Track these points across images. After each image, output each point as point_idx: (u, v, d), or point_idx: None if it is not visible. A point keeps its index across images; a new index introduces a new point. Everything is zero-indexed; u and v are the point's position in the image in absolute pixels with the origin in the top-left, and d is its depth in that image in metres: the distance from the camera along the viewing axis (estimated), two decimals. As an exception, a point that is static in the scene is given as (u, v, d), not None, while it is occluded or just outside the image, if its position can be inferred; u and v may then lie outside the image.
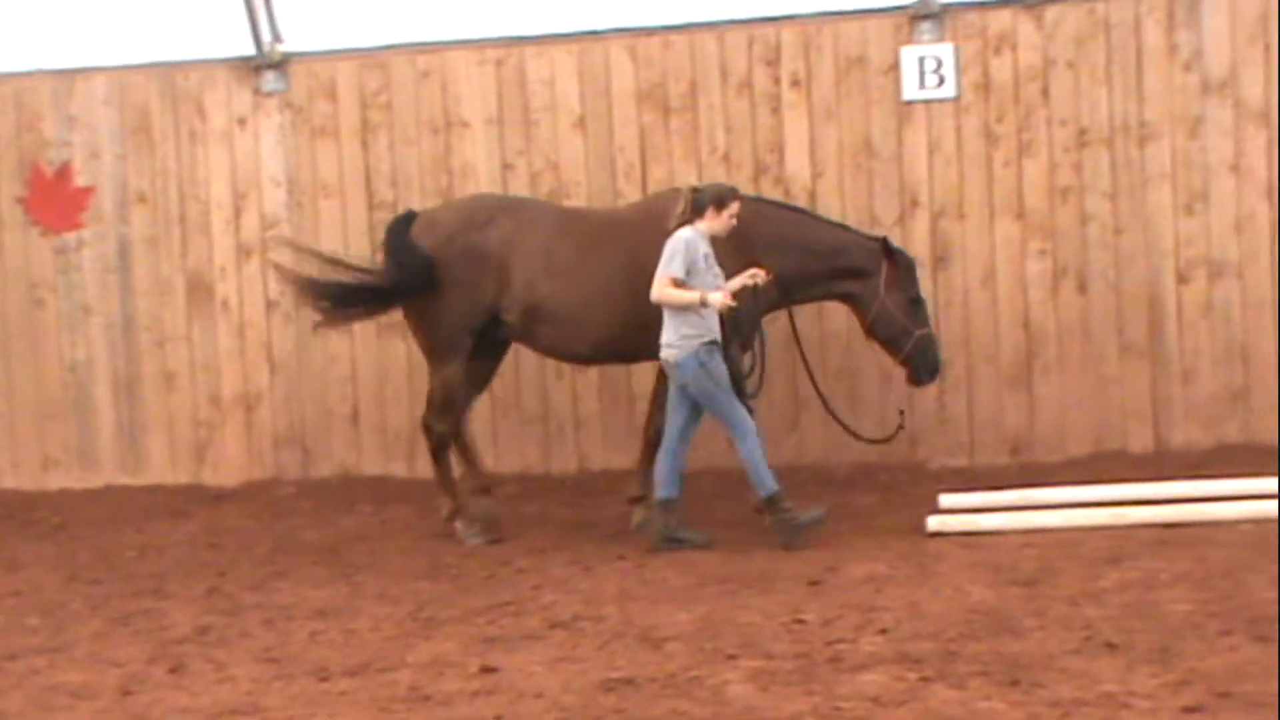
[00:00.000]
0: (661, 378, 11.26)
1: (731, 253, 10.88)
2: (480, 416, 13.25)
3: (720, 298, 10.43)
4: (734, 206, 10.65)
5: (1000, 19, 12.52)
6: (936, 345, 11.38)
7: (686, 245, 10.48)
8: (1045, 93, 12.45)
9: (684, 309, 10.48)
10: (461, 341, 11.48)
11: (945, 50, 12.57)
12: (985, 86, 12.56)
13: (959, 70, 12.57)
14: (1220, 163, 12.17)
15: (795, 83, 12.80)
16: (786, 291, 11.17)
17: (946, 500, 11.32)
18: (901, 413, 11.72)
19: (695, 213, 10.60)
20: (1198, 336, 12.23)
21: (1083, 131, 12.39)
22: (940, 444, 12.60)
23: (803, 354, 11.46)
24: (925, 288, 12.07)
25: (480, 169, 13.28)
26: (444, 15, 13.20)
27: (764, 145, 12.86)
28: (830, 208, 12.60)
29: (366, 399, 13.55)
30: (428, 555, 10.98)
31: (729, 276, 10.73)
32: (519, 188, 13.13)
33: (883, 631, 8.26)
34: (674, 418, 10.79)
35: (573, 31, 13.14)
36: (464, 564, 10.64)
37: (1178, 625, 8.01)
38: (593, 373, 13.04)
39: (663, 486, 10.78)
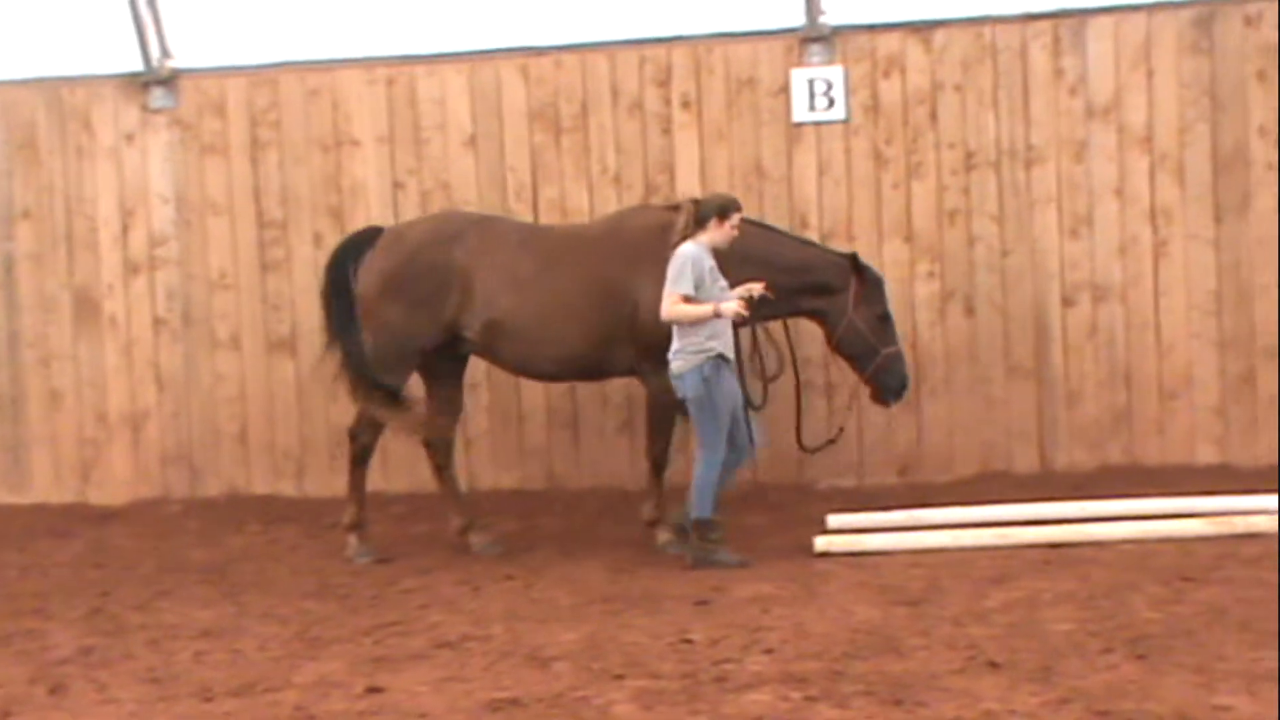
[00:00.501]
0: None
1: None
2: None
3: (734, 305, 10.30)
4: (735, 217, 10.55)
5: (889, 42, 12.63)
6: (903, 363, 11.31)
7: (692, 260, 10.34)
8: (933, 116, 12.57)
9: (699, 322, 10.33)
10: (412, 358, 11.39)
11: (835, 73, 12.66)
12: (874, 109, 12.66)
13: (848, 93, 12.66)
14: (1104, 187, 12.33)
15: (686, 104, 12.85)
16: (754, 308, 11.06)
17: (834, 520, 11.37)
18: (840, 430, 11.67)
19: (698, 225, 10.48)
20: (1082, 359, 12.37)
21: (970, 154, 12.52)
22: (829, 465, 12.64)
23: (794, 360, 11.36)
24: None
25: (371, 187, 13.23)
26: (334, 33, 13.15)
27: (655, 166, 12.90)
28: (721, 228, 12.65)
29: (255, 418, 13.44)
30: (315, 575, 10.89)
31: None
32: (409, 207, 13.10)
33: (768, 651, 8.27)
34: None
35: (464, 51, 13.12)
36: (352, 584, 10.57)
37: (1060, 644, 8.08)
38: (481, 392, 13.01)
39: (698, 507, 10.57)
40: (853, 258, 11.18)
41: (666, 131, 12.89)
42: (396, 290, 11.26)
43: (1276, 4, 12.04)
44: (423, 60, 13.20)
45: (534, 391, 12.97)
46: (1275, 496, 10.80)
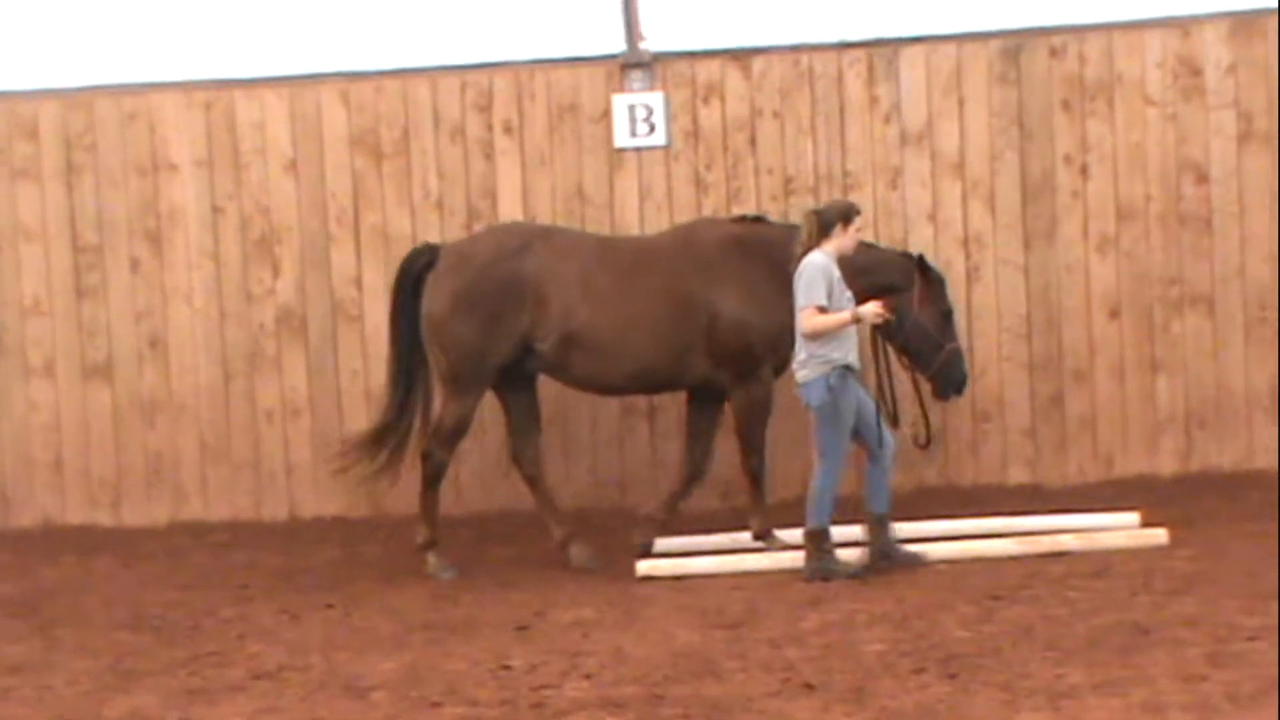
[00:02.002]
0: (692, 410, 11.41)
1: (767, 277, 11.02)
2: (189, 462, 13.10)
3: (874, 308, 10.28)
4: (858, 221, 10.53)
5: (709, 69, 12.76)
6: (964, 359, 11.40)
7: (822, 271, 10.28)
8: (753, 142, 12.72)
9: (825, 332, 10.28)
10: (489, 376, 11.30)
11: (656, 99, 12.76)
12: (695, 135, 12.78)
13: (669, 119, 12.77)
14: (919, 213, 12.56)
15: (508, 129, 12.88)
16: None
17: (657, 544, 11.42)
18: (928, 423, 11.52)
19: (821, 235, 10.41)
20: (899, 381, 12.50)
21: (789, 180, 12.68)
22: (652, 489, 12.69)
23: (885, 362, 11.34)
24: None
25: (190, 212, 13.09)
26: (151, 56, 12.98)
27: (477, 191, 12.90)
28: (543, 254, 12.71)
29: (70, 446, 13.21)
30: (131, 606, 10.72)
31: (766, 301, 10.92)
32: (229, 231, 13.00)
33: (588, 676, 8.31)
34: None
35: (284, 75, 13.04)
36: (168, 614, 10.42)
37: (873, 665, 8.20)
38: (304, 420, 12.94)
39: (813, 516, 10.51)
40: (919, 258, 11.25)
41: (489, 157, 12.91)
42: (469, 308, 11.15)
43: (1098, 36, 12.41)
44: (242, 84, 13.09)
45: (357, 418, 12.88)
46: (1083, 516, 11.08)
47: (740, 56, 12.75)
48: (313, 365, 13.03)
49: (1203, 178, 12.33)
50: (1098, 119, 12.45)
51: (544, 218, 12.76)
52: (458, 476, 12.72)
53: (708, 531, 11.59)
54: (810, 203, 12.48)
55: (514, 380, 11.43)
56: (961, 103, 12.54)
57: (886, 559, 10.47)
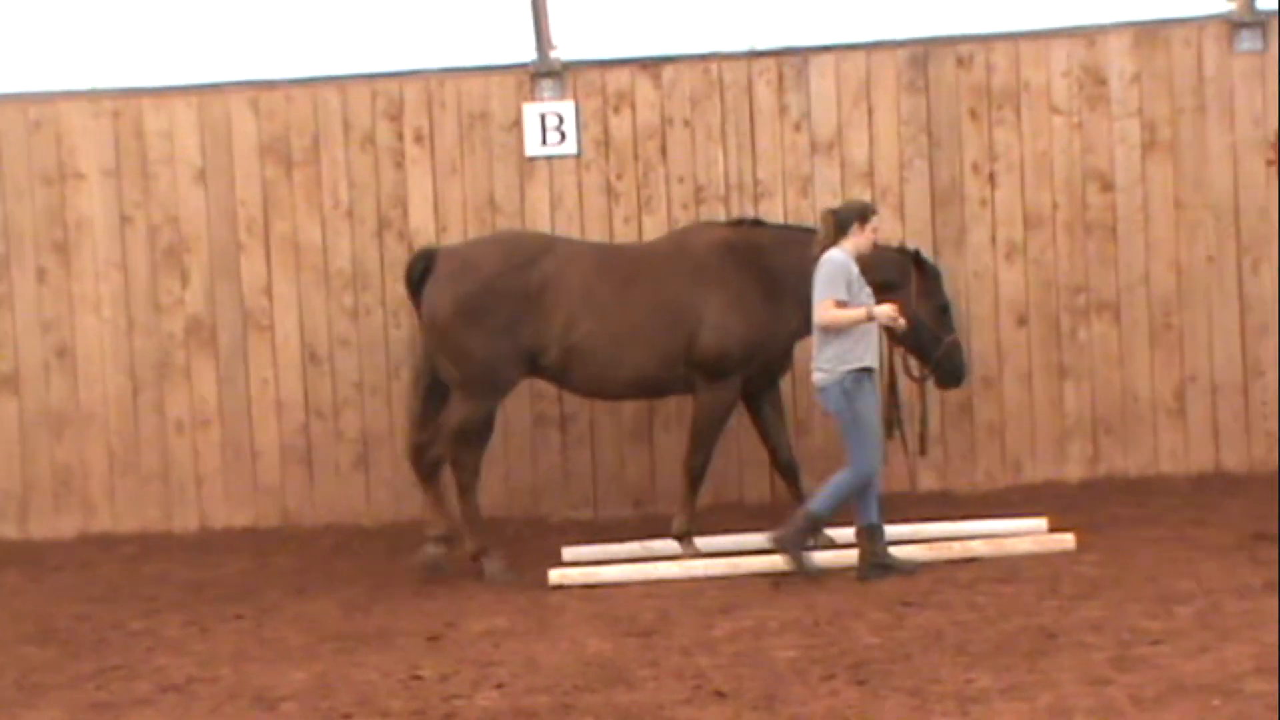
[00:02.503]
0: (751, 408, 11.47)
1: (757, 280, 11.09)
2: (97, 473, 12.99)
3: (888, 309, 10.27)
4: (875, 220, 10.54)
5: (619, 78, 12.79)
6: (963, 350, 11.41)
7: (842, 267, 10.28)
8: (663, 150, 12.76)
9: (842, 332, 10.23)
10: (501, 383, 11.27)
11: (567, 108, 12.77)
12: (606, 144, 12.80)
13: (580, 127, 12.79)
14: (829, 221, 12.60)
15: (419, 138, 12.85)
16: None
17: (569, 553, 11.44)
18: (924, 422, 11.47)
19: (839, 233, 10.40)
20: (810, 389, 12.55)
21: (700, 189, 12.72)
22: (563, 497, 12.75)
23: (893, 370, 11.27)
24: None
25: (97, 222, 12.98)
26: (57, 64, 12.87)
27: (388, 200, 12.87)
28: (455, 262, 12.70)
29: (-25, 458, 13.08)
30: (37, 620, 10.60)
31: (756, 305, 10.98)
32: (137, 241, 12.91)
33: (499, 686, 8.30)
34: None
35: (192, 84, 12.96)
36: (75, 628, 10.31)
37: (784, 671, 8.23)
38: (213, 430, 12.86)
39: (862, 513, 10.47)
40: (915, 253, 11.27)
41: (399, 165, 12.88)
42: (475, 317, 11.08)
43: (1005, 45, 12.55)
44: (150, 93, 13.01)
45: (268, 428, 12.85)
46: (991, 522, 11.17)
47: (650, 66, 12.79)
48: (223, 375, 12.95)
49: (1108, 186, 12.47)
50: (1005, 127, 12.57)
51: (455, 227, 12.76)
52: (368, 485, 12.72)
53: (620, 540, 11.61)
54: (720, 212, 12.58)
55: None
56: (870, 111, 12.63)
57: (882, 569, 10.38)
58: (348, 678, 8.63)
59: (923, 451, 11.52)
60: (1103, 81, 12.52)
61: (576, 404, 12.61)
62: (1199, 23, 12.46)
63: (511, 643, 9.24)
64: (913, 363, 11.33)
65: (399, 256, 12.76)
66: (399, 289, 12.69)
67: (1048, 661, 8.03)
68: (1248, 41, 12.37)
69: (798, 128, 12.68)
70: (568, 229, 12.69)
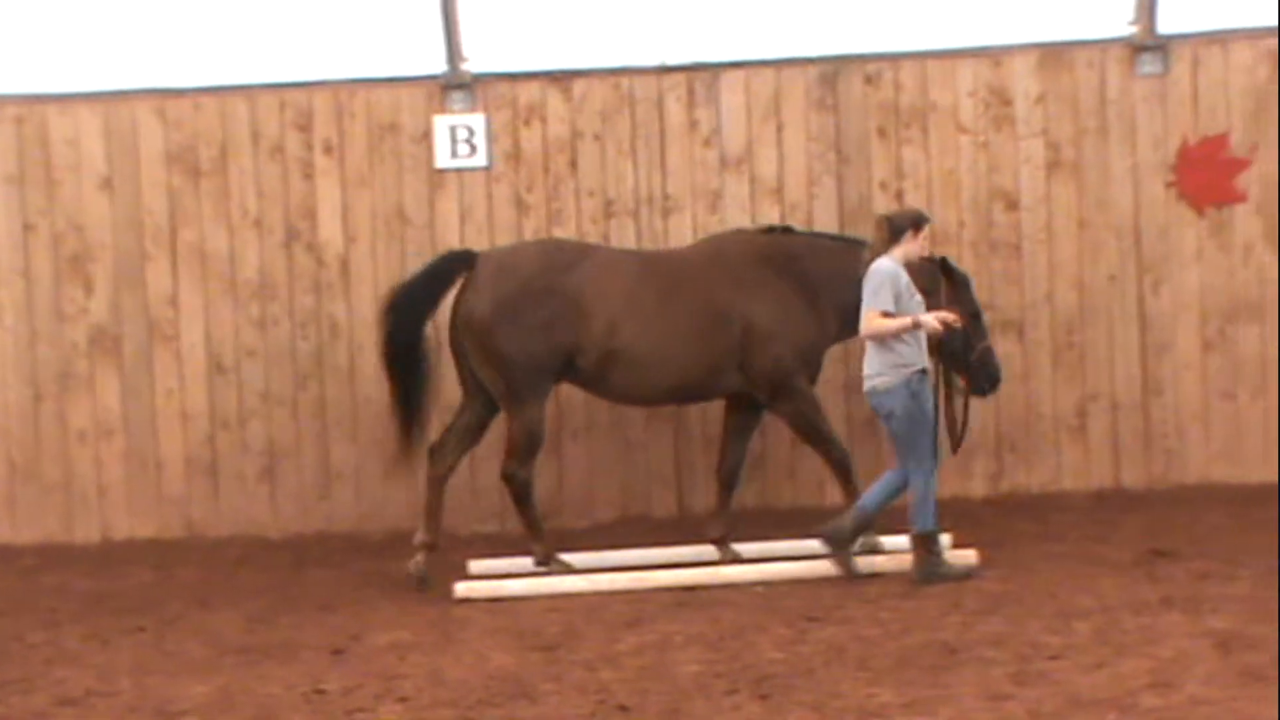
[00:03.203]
0: (730, 414, 11.44)
1: (797, 287, 11.14)
2: (-2, 484, 12.85)
3: (932, 319, 10.31)
4: (927, 229, 10.59)
5: (530, 91, 12.80)
6: (995, 355, 11.36)
7: (891, 276, 10.28)
8: (573, 164, 12.78)
9: (897, 337, 10.27)
10: (544, 384, 11.21)
11: (477, 120, 12.77)
12: (516, 157, 12.80)
13: (490, 140, 12.79)
14: (738, 236, 12.67)
15: (328, 149, 12.81)
16: (846, 323, 11.08)
17: (476, 566, 11.42)
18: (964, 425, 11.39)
19: (891, 240, 10.40)
20: (719, 403, 12.64)
21: (609, 203, 12.75)
22: (471, 511, 12.71)
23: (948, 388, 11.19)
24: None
25: (0, 229, 12.84)
26: (-40, 71, 12.75)
27: (296, 211, 12.81)
28: (364, 274, 12.72)
29: None
30: (-65, 632, 10.49)
31: (800, 311, 11.04)
32: (40, 249, 12.79)
33: (402, 700, 8.28)
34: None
35: (98, 91, 12.86)
36: (-28, 640, 10.21)
37: (687, 686, 8.26)
38: (117, 440, 12.76)
39: (918, 520, 10.45)
40: (942, 261, 11.20)
41: (308, 176, 12.83)
42: (513, 317, 11.07)
43: (913, 64, 12.65)
44: (55, 99, 12.89)
45: (172, 439, 12.76)
46: (896, 537, 11.23)
47: (561, 79, 12.81)
48: (127, 385, 12.85)
49: (1013, 205, 12.60)
50: (912, 146, 12.68)
51: (364, 238, 12.74)
52: (274, 497, 12.66)
53: (526, 554, 11.59)
54: (629, 226, 12.61)
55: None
56: (780, 128, 12.70)
57: (939, 577, 10.37)
58: (250, 691, 8.58)
59: (956, 449, 11.45)
60: (1008, 102, 12.65)
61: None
62: (1102, 45, 12.63)
63: (416, 656, 9.22)
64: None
65: (307, 267, 12.74)
66: (307, 300, 12.72)
67: (949, 676, 8.10)
68: (1149, 65, 12.55)
69: (707, 143, 12.74)
70: (476, 241, 12.67)
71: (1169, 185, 12.52)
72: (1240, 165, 12.45)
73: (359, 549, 12.32)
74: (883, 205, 12.57)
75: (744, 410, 11.56)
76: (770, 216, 12.63)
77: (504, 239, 12.68)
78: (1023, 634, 8.83)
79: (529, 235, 12.68)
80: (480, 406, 11.38)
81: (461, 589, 10.78)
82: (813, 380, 11.43)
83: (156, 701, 8.46)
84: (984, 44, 12.70)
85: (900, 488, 10.51)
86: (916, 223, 10.55)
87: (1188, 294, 12.61)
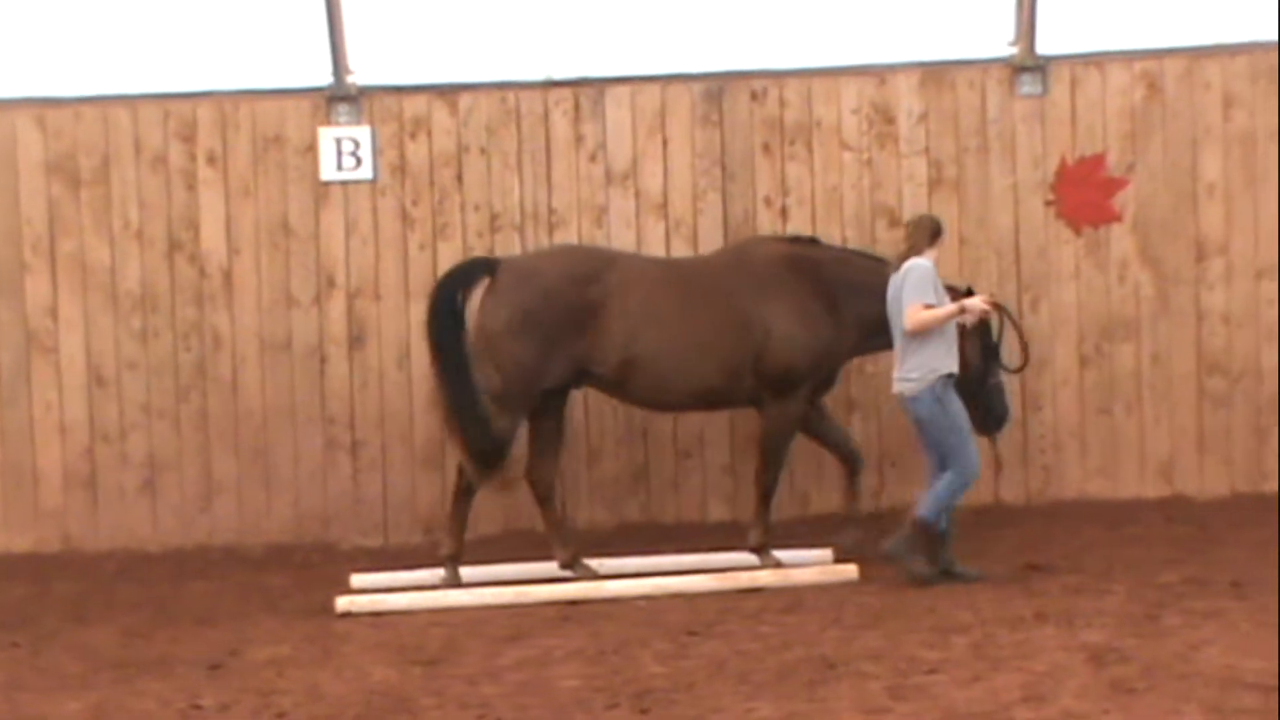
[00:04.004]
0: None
1: (818, 295, 11.21)
2: None
3: (978, 301, 10.49)
4: (943, 238, 10.83)
5: (416, 104, 12.77)
6: (1005, 395, 11.38)
7: (930, 272, 10.42)
8: (459, 178, 12.76)
9: (928, 339, 10.38)
10: (535, 395, 11.25)
11: (363, 133, 12.73)
12: (402, 169, 12.77)
13: (376, 152, 12.75)
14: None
15: (211, 160, 12.72)
16: (867, 337, 11.23)
17: (358, 580, 11.37)
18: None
19: (931, 240, 10.59)
20: (603, 418, 12.69)
21: (495, 217, 12.75)
22: (354, 524, 12.66)
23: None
24: (341, 369, 12.34)
25: (-126, 238, 12.67)
26: None
27: (179, 222, 12.71)
28: (247, 286, 12.64)
29: None
30: None
31: (820, 318, 11.15)
32: (-85, 258, 12.61)
33: (281, 715, 8.21)
34: (930, 456, 10.66)
35: (-24, 99, 12.71)
36: None
37: (567, 701, 8.25)
38: (-13, 451, 12.63)
39: (929, 508, 10.50)
40: (967, 290, 11.18)
41: (191, 187, 12.73)
42: (530, 328, 11.06)
43: (798, 81, 12.75)
44: (-68, 107, 12.73)
45: (50, 451, 12.61)
46: (778, 552, 11.32)
47: (447, 93, 12.79)
48: (4, 397, 12.68)
49: (896, 222, 12.68)
50: (797, 162, 12.76)
51: (247, 250, 12.66)
52: (154, 510, 12.55)
53: (410, 567, 11.57)
54: (519, 241, 12.61)
55: (547, 400, 11.39)
56: (665, 143, 12.76)
57: (949, 575, 10.56)
58: (125, 707, 8.48)
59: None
60: (891, 120, 12.77)
61: (369, 429, 12.60)
62: (983, 65, 12.78)
63: (295, 671, 9.16)
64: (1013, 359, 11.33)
65: (190, 279, 12.64)
66: (189, 311, 12.63)
67: (827, 690, 8.15)
68: (1028, 85, 12.72)
69: (593, 158, 12.77)
70: (361, 254, 12.67)
71: (1048, 204, 12.69)
72: (1117, 185, 12.67)
73: (239, 562, 12.24)
74: (766, 221, 12.68)
75: (812, 417, 11.63)
76: (655, 232, 12.71)
77: (389, 253, 12.67)
78: (901, 648, 8.90)
79: (414, 249, 12.67)
80: (543, 401, 11.39)
81: (343, 603, 10.73)
82: (825, 390, 11.59)
83: (29, 718, 8.34)
84: (868, 62, 12.81)
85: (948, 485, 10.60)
86: (937, 231, 10.81)
87: (1065, 311, 12.79)
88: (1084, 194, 12.61)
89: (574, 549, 11.40)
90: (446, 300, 11.32)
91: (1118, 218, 12.65)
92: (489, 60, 12.73)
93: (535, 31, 12.69)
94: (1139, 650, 8.51)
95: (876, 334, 11.11)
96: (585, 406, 12.62)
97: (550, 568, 11.31)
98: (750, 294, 11.36)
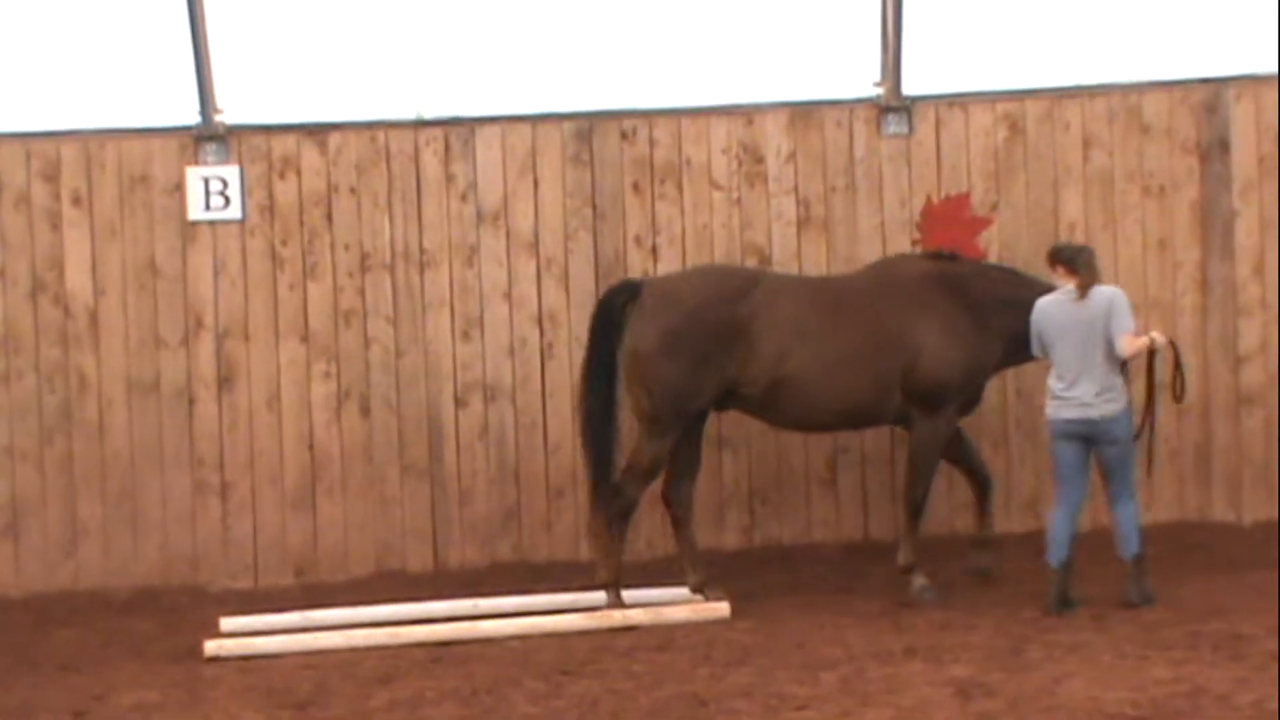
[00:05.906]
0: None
1: (965, 310, 11.18)
2: None
3: (1159, 335, 10.82)
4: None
5: (285, 143, 12.71)
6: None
7: (1128, 300, 10.65)
8: (329, 217, 12.70)
9: (1115, 363, 10.57)
10: (687, 417, 11.23)
11: (231, 172, 12.64)
12: (271, 209, 12.69)
13: (245, 192, 12.66)
14: (494, 290, 12.70)
15: (76, 200, 12.57)
16: (1012, 351, 11.24)
17: (227, 624, 11.26)
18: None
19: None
20: (474, 458, 12.67)
21: (365, 256, 12.70)
22: (223, 566, 12.54)
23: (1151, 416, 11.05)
24: (210, 410, 12.26)
25: None
26: None
27: (43, 262, 12.55)
28: (114, 327, 12.52)
29: None
30: None
31: (969, 334, 11.19)
32: None
33: (147, 762, 8.14)
34: (1078, 479, 10.68)
35: None
36: None
37: (438, 743, 8.25)
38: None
39: (1058, 548, 10.49)
40: None
41: (56, 228, 12.58)
42: (679, 348, 11.01)
43: (667, 121, 12.82)
44: None
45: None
46: (651, 590, 11.36)
47: (317, 132, 12.74)
48: None
49: (765, 260, 12.78)
50: (667, 201, 12.82)
51: (114, 290, 12.53)
52: (16, 555, 12.36)
53: (280, 609, 11.48)
54: (389, 280, 12.57)
55: (688, 423, 11.34)
56: (536, 183, 12.77)
57: (1144, 599, 10.60)
58: (-14, 757, 8.37)
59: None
60: (760, 159, 12.87)
61: (238, 472, 12.50)
62: (850, 105, 12.92)
63: (161, 718, 9.09)
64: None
65: (54, 319, 12.50)
66: (53, 353, 12.49)
67: (698, 728, 8.20)
68: (894, 125, 12.88)
69: (464, 197, 12.76)
70: (230, 295, 12.58)
71: (914, 243, 12.81)
72: (981, 224, 12.85)
73: (105, 607, 12.07)
74: (637, 260, 12.73)
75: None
76: (527, 270, 12.71)
77: (258, 293, 12.59)
78: (771, 685, 8.97)
79: (284, 289, 12.61)
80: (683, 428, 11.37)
81: (211, 647, 10.63)
82: (972, 407, 11.64)
83: (-114, 770, 8.20)
84: (737, 102, 12.90)
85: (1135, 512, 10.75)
86: None
87: (933, 349, 12.92)
88: (949, 233, 12.74)
89: (704, 574, 11.40)
90: (606, 319, 11.41)
91: (982, 256, 12.82)
92: (359, 99, 12.72)
93: (405, 70, 12.69)
94: (1004, 684, 8.64)
95: (1019, 349, 11.21)
96: (457, 445, 12.60)
97: (423, 608, 11.26)
98: (899, 310, 11.39)
